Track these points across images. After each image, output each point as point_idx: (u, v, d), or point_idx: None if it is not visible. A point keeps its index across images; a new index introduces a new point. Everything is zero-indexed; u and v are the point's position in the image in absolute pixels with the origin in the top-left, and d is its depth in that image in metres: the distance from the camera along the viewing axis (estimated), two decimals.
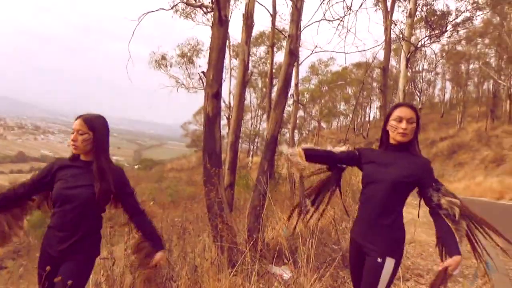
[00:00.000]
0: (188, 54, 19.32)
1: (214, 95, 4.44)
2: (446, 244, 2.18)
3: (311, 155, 2.48)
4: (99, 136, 2.27)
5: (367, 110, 53.98)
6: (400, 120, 2.31)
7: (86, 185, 2.20)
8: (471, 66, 38.56)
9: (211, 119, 4.46)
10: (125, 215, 2.45)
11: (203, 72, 4.59)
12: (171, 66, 19.10)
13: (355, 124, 50.68)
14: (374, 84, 44.63)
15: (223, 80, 4.59)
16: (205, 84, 4.56)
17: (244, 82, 5.22)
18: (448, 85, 45.48)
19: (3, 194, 2.25)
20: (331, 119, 51.42)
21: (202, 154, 4.57)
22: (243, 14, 5.26)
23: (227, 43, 16.42)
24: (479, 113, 37.07)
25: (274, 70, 13.03)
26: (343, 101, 51.20)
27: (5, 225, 2.25)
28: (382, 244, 2.25)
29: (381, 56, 10.62)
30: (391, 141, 2.39)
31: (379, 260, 2.23)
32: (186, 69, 19.07)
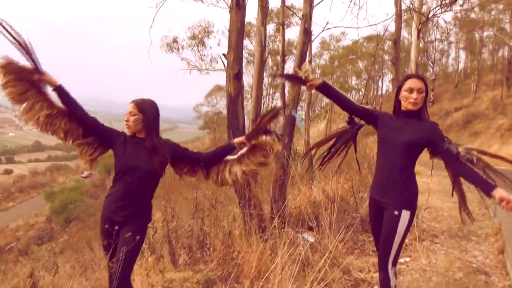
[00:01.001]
0: (199, 36, 19.51)
1: (236, 76, 4.73)
2: (479, 184, 2.40)
3: (328, 86, 2.75)
4: (148, 116, 2.61)
5: (379, 84, 53.43)
6: (411, 91, 2.60)
7: (145, 159, 2.56)
8: (485, 33, 37.76)
9: (233, 98, 4.76)
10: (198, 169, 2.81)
11: (224, 54, 4.87)
12: (182, 49, 19.35)
13: (368, 99, 50.34)
14: (386, 57, 44.06)
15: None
16: (226, 65, 4.84)
17: (262, 62, 5.49)
18: (462, 54, 44.64)
19: (80, 107, 2.57)
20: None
21: (227, 131, 4.90)
22: None
23: None
24: (495, 81, 36.51)
25: (285, 48, 13.13)
26: (354, 75, 50.77)
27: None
28: (397, 199, 2.57)
29: (392, 28, 10.70)
30: (403, 109, 2.68)
31: (395, 213, 2.56)
32: (198, 51, 19.26)
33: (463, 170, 2.48)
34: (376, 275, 3.78)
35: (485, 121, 30.50)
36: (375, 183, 2.75)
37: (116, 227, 2.47)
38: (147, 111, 2.62)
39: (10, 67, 2.39)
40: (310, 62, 12.96)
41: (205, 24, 19.97)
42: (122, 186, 2.58)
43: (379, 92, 52.97)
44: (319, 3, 8.96)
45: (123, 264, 2.46)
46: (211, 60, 19.89)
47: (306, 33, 4.97)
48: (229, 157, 2.95)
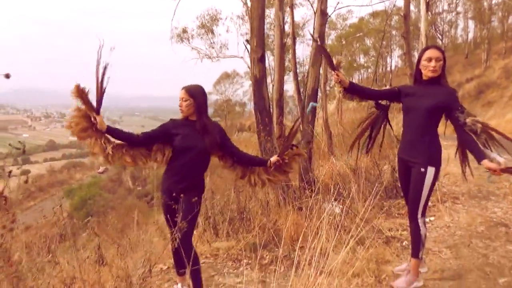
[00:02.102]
0: (208, 25, 19.74)
1: (260, 59, 5.05)
2: (474, 152, 2.77)
3: (353, 87, 3.14)
4: (198, 101, 2.94)
5: (388, 60, 52.94)
6: (429, 60, 2.90)
7: (199, 138, 2.91)
8: (494, 1, 37.16)
9: (258, 80, 5.09)
10: (230, 159, 3.16)
11: (247, 40, 5.23)
12: (192, 38, 19.61)
13: (377, 75, 50.01)
14: (393, 32, 43.64)
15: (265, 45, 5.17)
16: (249, 50, 5.16)
17: (282, 45, 5.79)
18: (471, 23, 43.94)
19: (131, 136, 2.90)
20: (352, 73, 50.81)
21: (254, 111, 5.24)
22: None
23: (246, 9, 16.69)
24: (505, 49, 36.02)
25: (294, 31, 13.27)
26: (362, 53, 50.35)
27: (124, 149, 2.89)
28: (423, 157, 2.90)
29: (399, 3, 10.79)
30: (424, 77, 2.99)
31: (422, 169, 2.89)
32: (209, 38, 19.50)
33: (465, 138, 2.83)
34: (404, 232, 4.14)
35: (497, 90, 30.27)
36: (402, 145, 3.07)
37: (174, 194, 2.82)
38: (196, 95, 2.95)
39: (85, 97, 2.68)
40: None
41: (213, 12, 20.20)
42: (179, 163, 2.94)
43: (388, 68, 52.60)
44: None
45: (185, 231, 2.82)
46: (221, 47, 20.15)
47: (323, 14, 5.24)
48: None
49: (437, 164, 2.92)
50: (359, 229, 3.55)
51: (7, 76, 1.19)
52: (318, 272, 2.57)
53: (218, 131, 3.02)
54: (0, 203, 1.89)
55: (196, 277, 2.88)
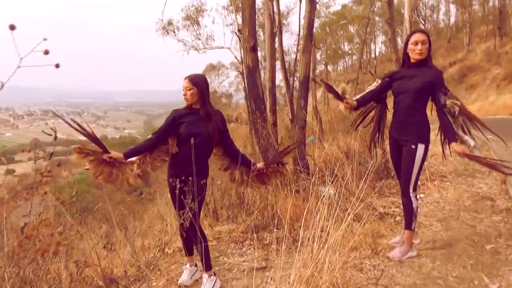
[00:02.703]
0: (193, 16, 19.68)
1: (252, 48, 5.18)
2: (447, 133, 3.02)
3: (361, 101, 3.36)
4: (201, 89, 3.08)
5: (372, 47, 53.30)
6: (416, 43, 3.10)
7: (204, 125, 3.05)
8: None
9: (251, 69, 5.23)
10: (222, 148, 3.32)
11: (238, 30, 5.34)
12: (178, 30, 19.55)
13: (361, 62, 50.37)
14: (377, 18, 43.92)
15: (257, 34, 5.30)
16: (241, 40, 5.29)
17: (273, 34, 5.92)
18: (452, 7, 44.56)
19: (142, 147, 3.08)
20: (337, 60, 51.06)
21: (248, 100, 5.39)
22: None
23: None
24: (487, 32, 36.65)
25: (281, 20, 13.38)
26: (346, 40, 50.53)
27: (149, 158, 3.09)
28: (413, 135, 3.10)
29: None
30: (412, 60, 3.18)
31: (413, 147, 3.09)
32: (194, 30, 19.46)
33: (442, 119, 3.06)
34: (397, 209, 4.37)
35: (480, 73, 30.86)
36: (394, 125, 3.27)
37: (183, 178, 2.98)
38: (200, 84, 3.09)
39: (89, 152, 2.80)
40: (299, 34, 13.37)
41: (198, 3, 20.14)
42: (186, 150, 3.08)
43: (373, 55, 53.02)
44: None
45: (194, 213, 2.98)
46: (207, 38, 20.14)
47: (312, 2, 5.39)
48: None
49: (426, 141, 3.12)
50: (354, 207, 3.75)
51: (46, 52, 1.29)
52: (319, 247, 2.74)
53: (220, 118, 3.18)
54: None
55: (206, 254, 3.05)
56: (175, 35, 19.48)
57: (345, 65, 60.04)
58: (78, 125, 2.79)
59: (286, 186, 4.77)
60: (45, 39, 1.38)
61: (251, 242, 4.10)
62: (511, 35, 33.42)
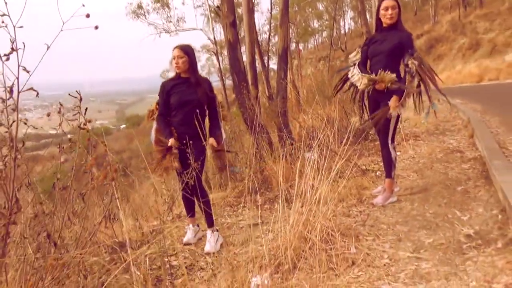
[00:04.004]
0: None
1: (232, 24, 5.38)
2: (396, 88, 3.36)
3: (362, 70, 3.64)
4: (191, 57, 3.30)
5: (341, 23, 53.65)
6: (386, 9, 3.40)
7: (194, 92, 3.27)
8: None
9: (233, 44, 5.43)
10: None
11: (217, 7, 5.50)
12: (148, 14, 19.34)
13: (332, 39, 50.71)
14: None
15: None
16: (221, 16, 5.47)
17: (250, 9, 6.10)
18: None
19: (165, 122, 3.32)
20: (308, 38, 51.28)
21: (231, 74, 5.60)
22: None
23: None
24: (451, 3, 37.52)
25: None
26: (315, 18, 50.69)
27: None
28: (390, 92, 3.41)
29: None
30: (384, 25, 3.48)
31: (389, 102, 3.41)
32: (165, 12, 19.29)
33: (403, 76, 3.37)
34: (376, 166, 4.73)
35: (446, 43, 31.75)
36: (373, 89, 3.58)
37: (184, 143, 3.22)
38: (190, 52, 3.31)
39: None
40: (271, 11, 13.58)
41: None
42: (180, 117, 3.31)
43: (343, 31, 53.44)
44: None
45: (196, 175, 3.21)
46: (178, 20, 19.98)
47: None
48: None
49: (401, 97, 3.45)
50: (338, 164, 4.05)
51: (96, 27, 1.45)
52: (311, 200, 3.04)
53: (208, 84, 3.40)
54: None
55: (208, 210, 3.32)
56: (146, 19, 19.29)
57: (315, 43, 60.35)
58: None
59: (274, 152, 5.07)
60: (83, 5, 1.56)
61: (245, 205, 4.39)
62: (474, 4, 34.37)
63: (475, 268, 2.33)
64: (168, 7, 19.24)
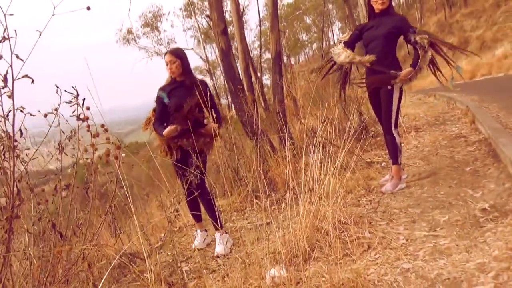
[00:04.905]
0: (151, 22, 19.67)
1: (223, 32, 5.39)
2: (411, 63, 3.34)
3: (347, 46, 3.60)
4: (184, 60, 3.28)
5: (330, 34, 54.30)
6: None
7: (190, 94, 3.24)
8: None
9: (225, 51, 5.43)
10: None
11: (207, 16, 5.56)
12: (138, 38, 19.52)
13: (323, 51, 51.18)
14: (330, 6, 44.92)
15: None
16: (212, 25, 5.49)
17: (239, 17, 6.15)
18: None
19: (162, 126, 3.27)
20: (298, 51, 51.86)
21: (226, 82, 5.59)
22: None
23: None
24: (436, 4, 38.09)
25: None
26: (304, 31, 51.36)
27: None
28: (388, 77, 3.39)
29: None
30: (376, 11, 3.48)
31: (389, 87, 3.38)
32: (155, 36, 19.47)
33: (414, 53, 3.37)
34: (380, 158, 4.68)
35: None
36: (368, 71, 3.56)
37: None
38: (182, 55, 3.29)
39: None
40: (260, 26, 13.74)
41: (154, 9, 20.13)
42: (179, 121, 3.27)
43: (332, 42, 54.02)
44: None
45: (198, 177, 3.16)
46: (168, 42, 20.18)
47: None
48: None
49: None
50: (341, 155, 3.97)
51: (88, 8, 1.43)
52: (319, 194, 2.98)
53: (204, 85, 3.37)
54: None
55: (213, 210, 3.25)
56: (136, 43, 19.47)
57: (306, 56, 60.97)
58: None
59: (275, 154, 5.01)
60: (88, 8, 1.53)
61: (252, 208, 4.32)
62: (458, 4, 34.84)
63: (496, 238, 2.26)
64: (158, 30, 19.47)
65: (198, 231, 3.58)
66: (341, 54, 3.52)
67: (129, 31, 19.07)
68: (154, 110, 3.44)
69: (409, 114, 7.69)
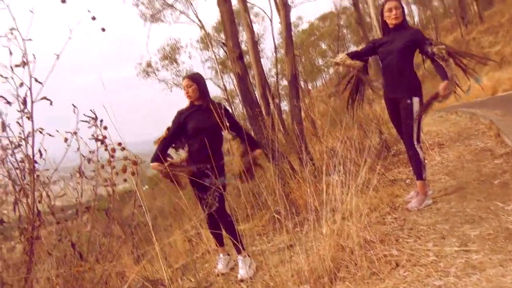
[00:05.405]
0: (170, 55, 20.23)
1: (238, 57, 5.47)
2: (440, 76, 3.28)
3: (352, 56, 3.60)
4: (201, 84, 3.33)
5: None
6: (390, 10, 3.40)
7: (208, 118, 3.26)
8: None
9: (242, 77, 5.50)
10: (233, 133, 3.52)
11: (223, 43, 5.64)
12: (158, 71, 20.05)
13: (339, 75, 51.23)
14: (345, 31, 45.37)
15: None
16: (227, 52, 5.59)
17: (254, 43, 6.24)
18: (414, 8, 46.29)
19: (165, 145, 3.31)
20: (315, 76, 52.17)
21: (244, 107, 5.64)
22: None
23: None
24: (451, 23, 38.02)
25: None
26: (319, 56, 51.75)
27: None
28: (406, 90, 3.35)
29: (346, 1, 11.55)
30: (390, 26, 3.47)
31: (408, 101, 3.34)
32: (174, 68, 19.98)
33: (435, 66, 3.34)
34: (404, 176, 4.57)
35: None
36: (386, 87, 3.53)
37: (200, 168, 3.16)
38: (199, 80, 3.34)
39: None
40: (276, 53, 13.98)
41: (172, 42, 20.75)
42: (197, 144, 3.29)
43: None
44: None
45: (218, 199, 3.14)
46: (186, 73, 20.65)
47: (285, 5, 5.77)
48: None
49: (419, 94, 3.37)
50: (363, 171, 3.87)
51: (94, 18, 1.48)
52: (340, 210, 2.92)
53: (221, 107, 3.39)
54: None
55: (234, 233, 3.20)
56: (156, 76, 19.98)
57: (323, 81, 61.23)
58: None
59: (295, 176, 4.96)
60: (93, 18, 1.60)
61: (274, 232, 4.24)
62: (474, 21, 34.66)
63: None
64: (177, 62, 19.98)
65: (221, 255, 3.53)
66: (337, 56, 3.58)
67: (149, 64, 19.70)
68: (168, 129, 3.47)
69: (431, 131, 7.55)
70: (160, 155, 3.26)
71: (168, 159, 3.36)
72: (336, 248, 2.66)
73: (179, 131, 3.36)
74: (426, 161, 5.04)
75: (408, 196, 3.69)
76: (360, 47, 3.83)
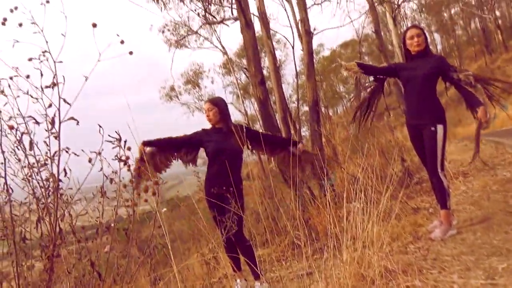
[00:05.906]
0: (193, 80, 20.66)
1: (260, 82, 5.55)
2: (471, 103, 3.23)
3: (362, 65, 3.61)
4: (222, 108, 3.37)
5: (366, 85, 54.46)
6: (412, 37, 3.41)
7: (228, 140, 3.29)
8: (452, 11, 39.32)
9: (263, 101, 5.56)
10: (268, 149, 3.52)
11: (245, 68, 5.73)
12: (180, 95, 20.47)
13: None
14: (366, 58, 45.52)
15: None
16: (249, 77, 5.67)
17: (276, 68, 6.34)
18: (437, 36, 46.22)
19: (162, 139, 3.31)
20: (337, 102, 52.16)
21: (264, 131, 5.66)
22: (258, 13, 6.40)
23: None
24: (475, 52, 37.73)
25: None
26: (340, 83, 51.88)
27: (157, 159, 3.31)
28: (430, 118, 3.31)
29: (367, 29, 11.63)
30: (413, 53, 3.46)
31: (432, 129, 3.29)
32: (196, 92, 20.37)
33: (463, 92, 3.31)
34: (427, 204, 4.46)
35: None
36: (409, 113, 3.50)
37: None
38: (219, 103, 3.39)
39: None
40: (297, 78, 14.11)
41: (195, 66, 21.23)
42: (217, 167, 3.30)
43: None
44: (309, 7, 9.95)
45: (236, 223, 3.12)
46: (208, 97, 21.01)
47: (308, 33, 5.85)
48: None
49: (443, 121, 3.33)
50: (384, 198, 3.79)
51: (122, 42, 1.55)
52: (361, 237, 2.85)
53: (244, 130, 3.41)
54: None
55: (252, 258, 3.16)
56: (179, 100, 20.39)
57: (344, 107, 61.16)
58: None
59: (315, 202, 4.90)
60: (122, 42, 1.66)
61: (293, 258, 4.17)
62: (499, 50, 34.35)
63: None
64: (199, 87, 20.37)
65: (238, 280, 3.48)
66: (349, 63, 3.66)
67: (172, 88, 20.15)
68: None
69: (455, 160, 7.39)
70: (155, 142, 3.27)
71: (154, 151, 3.32)
72: (356, 277, 2.59)
73: (192, 142, 3.39)
74: (450, 190, 4.94)
75: (432, 225, 3.58)
76: (381, 65, 3.83)
